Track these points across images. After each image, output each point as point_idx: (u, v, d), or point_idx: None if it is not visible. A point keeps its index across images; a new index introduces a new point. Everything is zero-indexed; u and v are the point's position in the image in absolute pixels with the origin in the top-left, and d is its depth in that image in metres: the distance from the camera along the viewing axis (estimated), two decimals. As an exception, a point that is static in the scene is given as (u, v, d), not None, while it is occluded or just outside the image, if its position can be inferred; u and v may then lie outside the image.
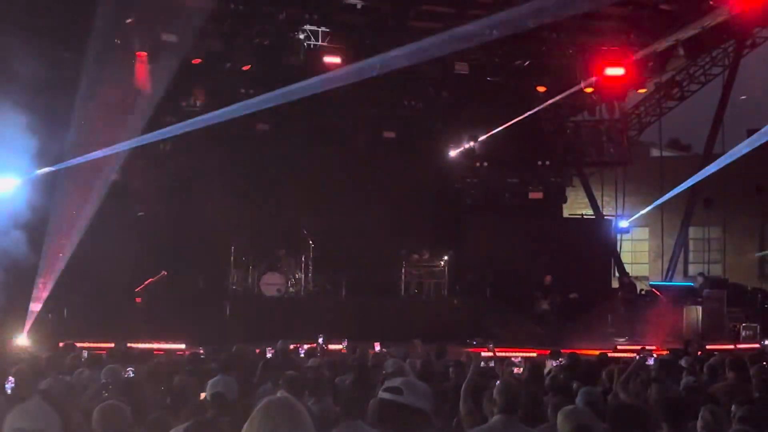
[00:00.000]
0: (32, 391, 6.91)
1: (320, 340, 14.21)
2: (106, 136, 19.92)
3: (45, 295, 17.74)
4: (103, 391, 7.60)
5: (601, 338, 19.82)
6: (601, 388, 9.42)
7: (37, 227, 17.51)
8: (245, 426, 3.17)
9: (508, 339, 19.63)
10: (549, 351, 13.25)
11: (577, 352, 12.62)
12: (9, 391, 7.28)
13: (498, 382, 6.65)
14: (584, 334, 19.95)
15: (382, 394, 4.15)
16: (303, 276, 21.77)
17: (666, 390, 7.72)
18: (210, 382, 6.91)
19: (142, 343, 15.74)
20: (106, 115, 20.14)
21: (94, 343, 14.94)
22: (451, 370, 10.27)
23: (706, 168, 24.87)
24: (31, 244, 16.64)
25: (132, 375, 8.21)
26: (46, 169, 17.95)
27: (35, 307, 17.46)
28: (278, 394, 3.38)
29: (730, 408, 6.81)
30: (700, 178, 24.78)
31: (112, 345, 13.55)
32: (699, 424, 6.17)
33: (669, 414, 6.17)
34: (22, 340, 15.98)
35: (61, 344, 13.05)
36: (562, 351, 12.58)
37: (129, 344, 13.48)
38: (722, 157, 23.96)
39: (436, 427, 4.13)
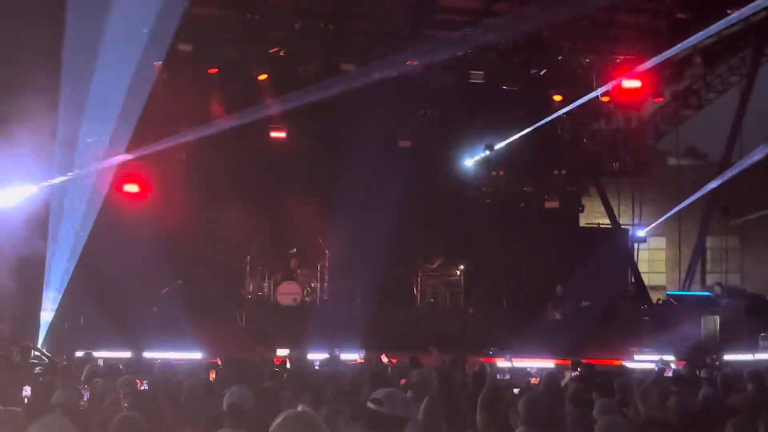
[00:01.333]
0: (48, 401, 6.90)
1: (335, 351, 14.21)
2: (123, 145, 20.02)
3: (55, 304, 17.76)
4: (122, 402, 7.60)
5: (619, 348, 19.67)
6: (618, 399, 9.39)
7: (53, 235, 17.59)
8: None
9: (525, 349, 19.53)
10: (568, 361, 13.21)
11: (594, 362, 12.58)
12: (26, 400, 7.30)
13: (519, 393, 6.65)
14: (602, 345, 19.85)
15: (368, 404, 4.63)
16: (319, 285, 21.75)
17: (685, 402, 7.67)
18: (227, 393, 6.88)
19: (158, 352, 15.75)
20: (121, 124, 20.24)
21: (110, 352, 14.99)
22: (469, 380, 10.26)
23: (724, 174, 24.82)
24: (44, 251, 16.73)
25: (147, 387, 8.20)
26: (65, 177, 18.03)
27: (46, 316, 17.48)
28: (299, 408, 3.35)
29: (749, 420, 6.76)
30: (716, 184, 24.73)
31: (129, 355, 13.59)
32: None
33: (689, 427, 6.13)
34: (38, 349, 16.00)
35: (78, 354, 13.08)
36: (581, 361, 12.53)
37: (145, 354, 13.51)
38: (739, 164, 23.95)
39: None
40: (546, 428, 6.23)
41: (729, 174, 25.05)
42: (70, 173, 18.08)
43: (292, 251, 21.95)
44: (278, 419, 3.21)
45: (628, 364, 15.72)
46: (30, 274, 16.91)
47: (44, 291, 17.67)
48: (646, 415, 6.95)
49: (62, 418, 3.98)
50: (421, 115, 24.88)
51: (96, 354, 13.00)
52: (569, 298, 21.93)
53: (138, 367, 11.66)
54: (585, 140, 24.30)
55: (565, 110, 23.37)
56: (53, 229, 17.76)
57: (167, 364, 12.56)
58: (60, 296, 17.80)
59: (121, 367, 11.61)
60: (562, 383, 10.31)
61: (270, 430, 3.18)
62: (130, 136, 19.87)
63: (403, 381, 10.14)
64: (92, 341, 16.50)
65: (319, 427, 3.19)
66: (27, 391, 7.45)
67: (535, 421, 6.12)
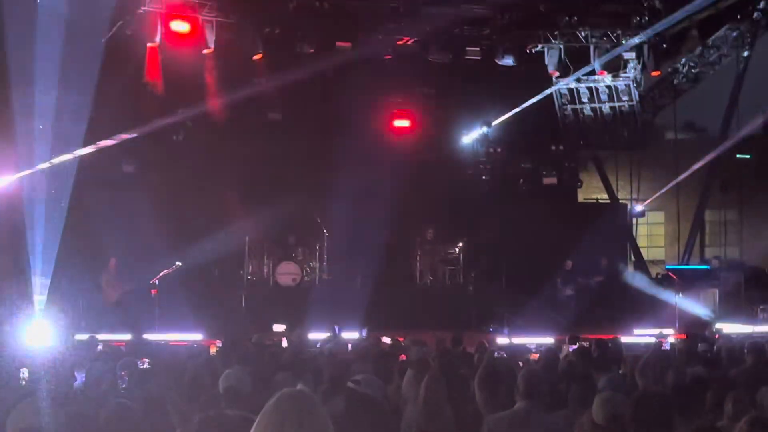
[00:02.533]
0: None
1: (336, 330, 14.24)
2: (119, 126, 20.00)
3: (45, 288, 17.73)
4: (120, 383, 7.61)
5: (617, 323, 19.68)
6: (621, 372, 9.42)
7: (50, 217, 17.59)
8: (257, 419, 3.14)
9: (524, 325, 19.58)
10: (566, 336, 13.24)
11: (593, 337, 12.60)
12: (23, 383, 7.30)
13: (522, 368, 6.67)
14: (601, 320, 19.89)
15: (350, 384, 5.71)
16: (318, 265, 21.75)
17: (683, 376, 7.68)
18: (223, 374, 6.89)
19: (158, 334, 15.78)
20: (118, 105, 20.21)
21: (109, 335, 15.02)
22: (476, 356, 10.29)
23: (721, 147, 24.80)
24: (42, 234, 16.72)
25: (148, 366, 8.21)
26: (62, 158, 18.02)
27: (39, 299, 17.45)
28: (298, 387, 3.31)
29: (749, 393, 6.77)
30: (712, 156, 24.72)
31: (129, 337, 13.62)
32: (725, 411, 6.14)
33: (687, 399, 6.14)
34: (37, 332, 16.01)
35: (82, 337, 13.10)
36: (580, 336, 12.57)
37: (145, 336, 13.53)
38: (737, 137, 23.93)
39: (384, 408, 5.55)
40: (545, 402, 6.26)
41: (727, 147, 25.04)
42: (69, 153, 18.08)
43: (291, 239, 21.90)
44: (273, 399, 3.18)
45: (627, 339, 15.74)
46: (15, 258, 16.93)
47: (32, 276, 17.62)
48: (643, 389, 6.95)
49: (41, 402, 4.00)
50: (417, 92, 24.83)
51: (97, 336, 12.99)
52: (578, 274, 21.88)
53: (139, 348, 11.67)
54: (582, 115, 24.20)
55: (562, 85, 23.33)
56: (36, 213, 17.70)
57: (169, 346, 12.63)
58: (49, 280, 17.72)
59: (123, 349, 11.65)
60: (560, 357, 10.33)
61: (264, 409, 3.15)
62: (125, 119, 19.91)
63: (402, 357, 10.18)
64: (92, 325, 16.55)
65: (316, 407, 3.15)
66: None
67: (535, 395, 6.14)
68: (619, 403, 5.26)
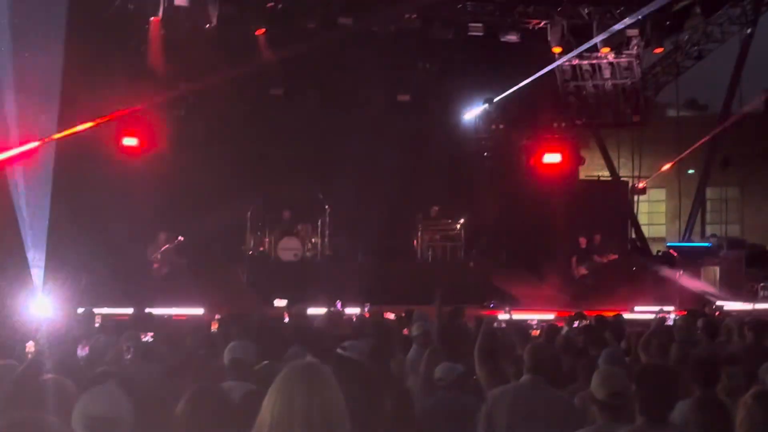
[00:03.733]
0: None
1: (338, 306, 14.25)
2: (120, 100, 19.94)
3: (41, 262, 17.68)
4: (126, 355, 7.62)
5: (618, 300, 19.71)
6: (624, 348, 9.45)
7: (44, 190, 17.58)
8: (268, 392, 3.16)
9: (525, 301, 19.63)
10: (568, 313, 13.24)
11: (594, 313, 12.62)
12: (29, 356, 7.30)
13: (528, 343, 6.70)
14: (602, 297, 19.91)
15: (338, 350, 5.92)
16: (320, 240, 21.76)
17: (685, 351, 7.70)
18: (228, 346, 6.89)
19: (160, 308, 15.78)
20: (120, 80, 20.15)
21: (110, 308, 15.03)
22: (472, 331, 10.31)
23: (723, 125, 24.77)
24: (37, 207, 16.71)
25: (151, 340, 8.23)
26: (66, 132, 17.99)
27: (36, 273, 17.44)
28: (308, 359, 3.33)
29: (749, 369, 6.79)
30: (714, 133, 24.70)
31: (130, 311, 13.62)
32: (719, 386, 6.15)
33: (688, 374, 6.15)
34: (39, 306, 16.03)
35: (79, 311, 13.10)
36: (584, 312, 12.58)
37: (147, 310, 13.53)
38: (739, 114, 23.89)
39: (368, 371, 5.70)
40: (550, 376, 6.28)
41: (729, 125, 25.01)
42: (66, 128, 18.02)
43: (285, 214, 21.86)
44: (282, 372, 3.20)
45: (628, 315, 15.76)
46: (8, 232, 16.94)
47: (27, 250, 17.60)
48: (646, 362, 6.98)
49: (116, 389, 3.89)
50: (420, 68, 24.77)
51: (97, 311, 13.00)
52: (593, 252, 21.81)
53: (142, 322, 11.69)
54: (585, 92, 24.15)
55: (564, 62, 23.25)
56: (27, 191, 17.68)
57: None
58: (44, 254, 17.68)
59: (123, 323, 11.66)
60: (562, 333, 10.35)
61: (274, 382, 3.16)
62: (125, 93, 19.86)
63: (405, 331, 10.19)
64: (94, 299, 16.55)
65: (326, 378, 3.17)
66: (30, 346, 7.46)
67: (540, 369, 6.18)
68: (619, 378, 5.28)
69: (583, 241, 21.85)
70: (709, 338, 9.94)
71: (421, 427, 6.42)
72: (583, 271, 21.53)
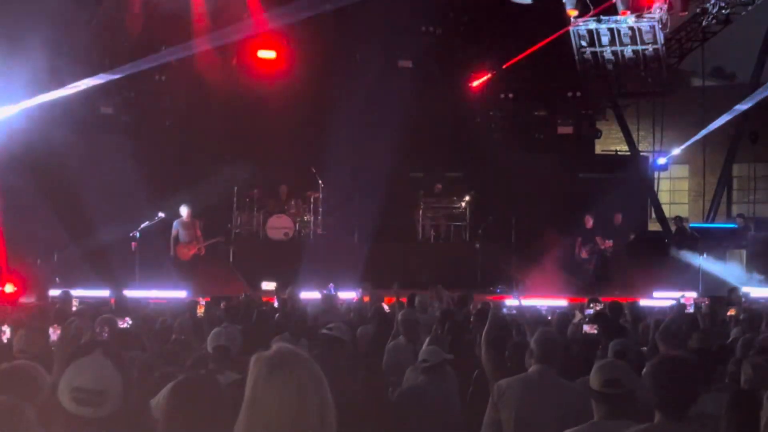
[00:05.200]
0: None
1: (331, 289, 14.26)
2: (96, 65, 19.91)
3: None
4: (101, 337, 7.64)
5: (636, 285, 19.73)
6: (634, 339, 9.47)
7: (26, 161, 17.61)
8: (246, 383, 3.16)
9: (535, 286, 19.63)
10: (581, 299, 13.27)
11: (607, 300, 12.65)
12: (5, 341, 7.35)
13: (538, 331, 6.74)
14: (617, 281, 19.93)
15: (324, 330, 7.47)
16: (312, 219, 21.77)
17: (707, 340, 7.73)
18: (212, 333, 6.93)
19: (139, 291, 15.82)
20: (97, 43, 20.11)
21: (86, 291, 15.05)
22: (472, 319, 10.37)
23: (752, 96, 24.66)
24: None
25: (129, 326, 8.24)
26: (38, 99, 17.97)
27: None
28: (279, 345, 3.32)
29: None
30: (745, 107, 24.61)
31: (107, 293, 13.65)
32: (742, 378, 6.17)
33: (709, 364, 6.18)
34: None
35: (53, 293, 13.14)
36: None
37: (126, 293, 13.55)
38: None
39: (349, 350, 7.73)
40: (560, 367, 6.33)
41: (758, 96, 24.91)
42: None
43: (282, 189, 21.83)
44: (256, 358, 3.19)
45: (646, 302, 15.79)
46: None
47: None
48: (663, 353, 7.00)
49: (104, 359, 3.92)
50: (422, 32, 24.61)
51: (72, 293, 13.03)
52: (598, 234, 21.75)
53: (120, 306, 11.72)
54: (602, 59, 24.06)
55: (581, 26, 23.15)
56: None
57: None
58: None
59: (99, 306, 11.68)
60: (574, 321, 10.40)
61: (251, 370, 3.17)
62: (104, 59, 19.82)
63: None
64: (68, 279, 16.58)
65: (306, 364, 3.18)
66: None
67: (550, 359, 6.23)
68: (616, 367, 5.32)
69: (588, 220, 21.75)
70: (737, 326, 9.93)
71: (400, 401, 7.04)
72: (584, 254, 21.47)
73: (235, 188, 21.29)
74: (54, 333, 7.28)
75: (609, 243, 21.41)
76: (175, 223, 19.52)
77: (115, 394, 3.86)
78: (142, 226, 19.72)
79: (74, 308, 11.25)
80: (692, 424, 4.96)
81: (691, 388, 4.84)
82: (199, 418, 3.83)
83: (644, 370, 4.94)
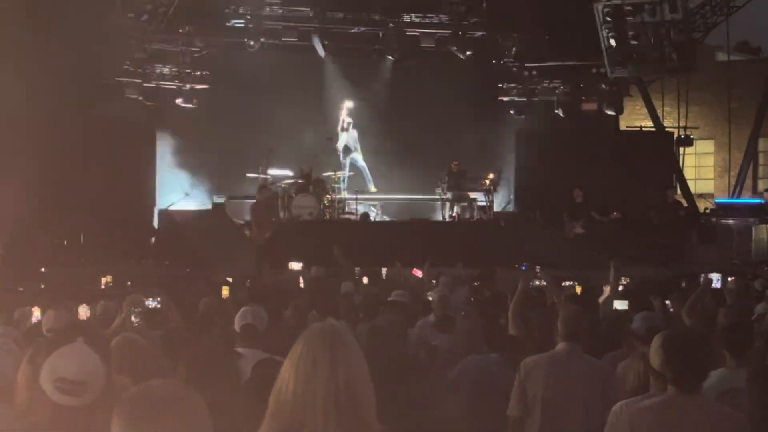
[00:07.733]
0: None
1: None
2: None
3: None
4: (133, 322, 7.72)
5: (663, 261, 19.64)
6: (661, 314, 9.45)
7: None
8: (287, 359, 3.21)
9: (560, 264, 19.55)
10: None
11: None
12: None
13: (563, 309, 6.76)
14: (644, 257, 19.84)
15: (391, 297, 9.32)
16: (336, 198, 21.79)
17: (734, 316, 7.70)
18: (240, 312, 6.97)
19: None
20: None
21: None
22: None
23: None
24: None
25: (158, 305, 8.30)
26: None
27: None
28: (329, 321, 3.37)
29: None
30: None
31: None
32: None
33: (732, 341, 6.17)
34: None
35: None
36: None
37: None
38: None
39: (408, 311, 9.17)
40: (587, 344, 6.35)
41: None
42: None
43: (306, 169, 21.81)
44: (303, 334, 3.25)
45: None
46: None
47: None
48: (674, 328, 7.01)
49: (85, 347, 3.93)
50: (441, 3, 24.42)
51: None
52: (588, 208, 21.63)
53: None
54: (626, 35, 23.84)
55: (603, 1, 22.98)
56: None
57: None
58: None
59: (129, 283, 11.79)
60: (600, 299, 10.39)
61: (295, 346, 3.21)
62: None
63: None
64: (94, 260, 16.68)
65: (348, 340, 3.22)
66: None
67: (576, 337, 6.25)
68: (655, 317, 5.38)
69: (577, 194, 21.66)
70: (764, 303, 9.88)
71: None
72: (579, 230, 21.29)
73: (260, 168, 21.37)
74: (84, 312, 7.36)
75: (616, 215, 21.40)
76: None
77: (97, 384, 3.88)
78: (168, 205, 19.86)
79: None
80: (704, 398, 4.96)
81: (702, 362, 4.87)
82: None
83: (654, 343, 4.93)
